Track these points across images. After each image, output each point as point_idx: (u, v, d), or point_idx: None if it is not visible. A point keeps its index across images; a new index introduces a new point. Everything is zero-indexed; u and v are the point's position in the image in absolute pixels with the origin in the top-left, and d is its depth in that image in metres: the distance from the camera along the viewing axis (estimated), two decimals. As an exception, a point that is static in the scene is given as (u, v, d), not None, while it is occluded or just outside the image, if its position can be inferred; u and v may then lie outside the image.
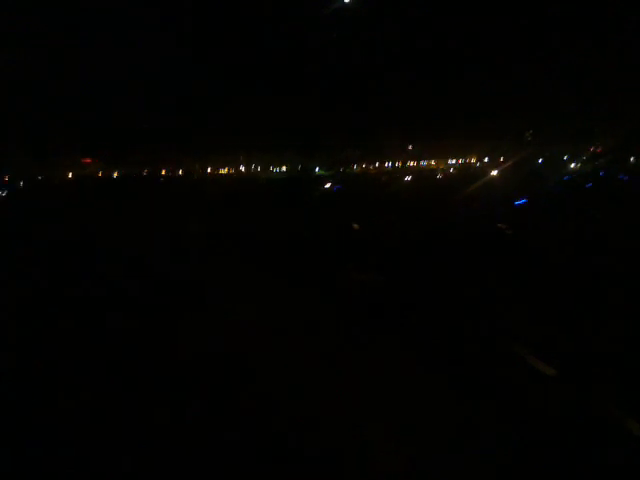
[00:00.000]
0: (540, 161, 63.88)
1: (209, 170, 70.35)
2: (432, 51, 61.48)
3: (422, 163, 74.05)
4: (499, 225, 14.93)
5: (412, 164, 72.70)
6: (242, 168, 72.15)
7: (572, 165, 59.96)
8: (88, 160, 73.12)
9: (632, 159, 62.23)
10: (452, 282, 8.79)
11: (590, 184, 29.08)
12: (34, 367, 5.49)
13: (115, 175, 65.42)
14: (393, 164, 72.24)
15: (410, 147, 76.85)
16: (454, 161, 75.28)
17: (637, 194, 23.57)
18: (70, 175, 61.77)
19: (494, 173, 53.25)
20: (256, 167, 72.89)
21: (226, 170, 72.91)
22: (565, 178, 36.10)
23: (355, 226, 16.44)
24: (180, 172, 69.91)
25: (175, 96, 60.56)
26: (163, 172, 68.12)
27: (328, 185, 38.57)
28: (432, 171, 65.33)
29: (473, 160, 74.16)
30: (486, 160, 71.63)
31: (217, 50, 58.14)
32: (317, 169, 66.19)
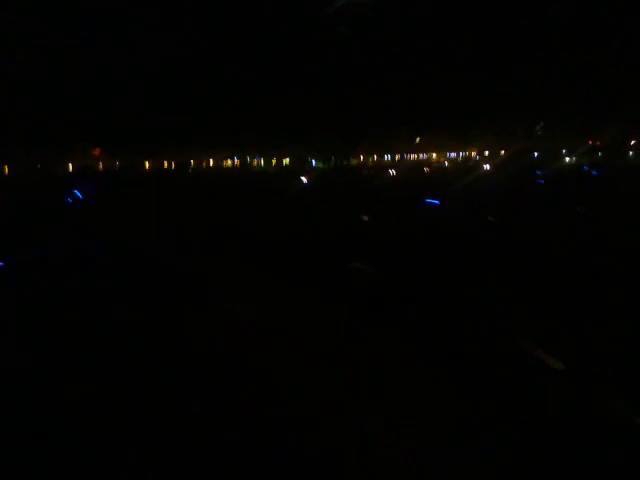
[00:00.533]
0: (536, 155, 63.82)
1: (211, 162, 71.48)
2: (437, 46, 61.77)
3: (422, 156, 74.35)
4: (489, 218, 15.13)
5: (413, 157, 72.99)
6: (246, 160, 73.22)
7: (567, 159, 59.84)
8: (97, 151, 75.00)
9: (631, 153, 62.17)
10: (451, 276, 8.78)
11: (542, 180, 29.41)
12: (41, 360, 5.57)
13: (117, 164, 66.60)
14: (392, 157, 72.75)
15: (417, 140, 76.98)
16: (454, 154, 75.35)
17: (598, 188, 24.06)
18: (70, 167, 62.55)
19: (487, 167, 53.50)
20: (259, 160, 73.72)
21: (229, 162, 73.96)
22: (537, 173, 36.29)
23: (364, 218, 16.50)
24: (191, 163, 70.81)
25: (181, 94, 61.83)
26: (165, 164, 69.71)
27: (304, 180, 39.36)
28: (431, 164, 65.73)
29: (473, 153, 74.18)
30: (487, 153, 71.71)
31: (218, 50, 59.30)
32: (314, 162, 67.22)
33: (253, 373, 5.02)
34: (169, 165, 68.81)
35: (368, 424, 3.96)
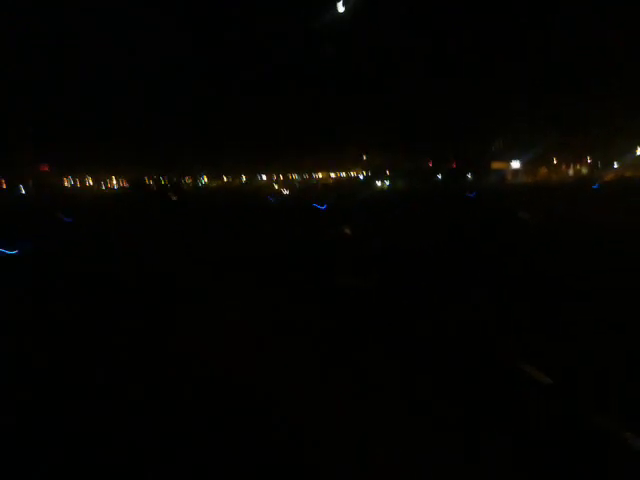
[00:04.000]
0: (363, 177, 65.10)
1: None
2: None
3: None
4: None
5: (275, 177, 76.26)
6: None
7: (378, 183, 60.40)
8: (45, 167, 74.30)
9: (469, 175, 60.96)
10: (436, 289, 8.99)
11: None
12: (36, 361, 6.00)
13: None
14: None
15: (364, 157, 79.92)
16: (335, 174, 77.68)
17: None
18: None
19: (286, 192, 56.51)
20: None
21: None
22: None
23: (346, 231, 17.35)
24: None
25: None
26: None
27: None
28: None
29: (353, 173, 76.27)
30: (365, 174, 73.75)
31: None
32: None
33: (241, 387, 5.08)
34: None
35: (356, 438, 4.01)
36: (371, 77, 63.06)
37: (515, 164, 64.32)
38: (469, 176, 62.71)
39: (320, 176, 79.13)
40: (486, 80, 60.93)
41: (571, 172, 67.05)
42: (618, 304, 7.45)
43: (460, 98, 59.76)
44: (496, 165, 63.99)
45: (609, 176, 58.10)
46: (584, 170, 66.52)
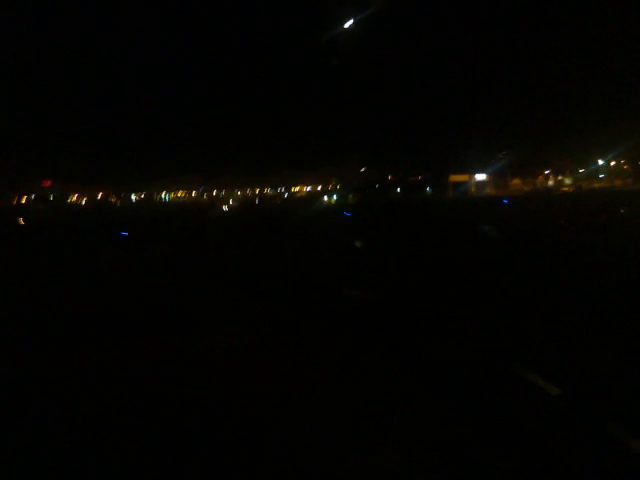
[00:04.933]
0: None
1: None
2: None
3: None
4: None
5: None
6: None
7: (325, 198, 58.19)
8: (47, 183, 76.34)
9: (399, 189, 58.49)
10: (441, 299, 8.99)
11: None
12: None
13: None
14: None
15: (363, 169, 78.99)
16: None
17: None
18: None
19: (225, 208, 55.66)
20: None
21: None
22: None
23: (358, 244, 17.51)
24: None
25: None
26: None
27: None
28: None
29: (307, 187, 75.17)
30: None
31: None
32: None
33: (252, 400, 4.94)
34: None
35: (364, 448, 3.96)
36: (347, 90, 61.76)
37: (480, 176, 59.56)
38: (428, 189, 59.08)
39: (297, 189, 78.01)
40: (458, 91, 58.12)
41: (551, 183, 61.48)
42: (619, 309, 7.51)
43: (429, 111, 57.12)
44: (455, 178, 59.47)
45: (568, 187, 53.50)
46: (567, 180, 60.68)
